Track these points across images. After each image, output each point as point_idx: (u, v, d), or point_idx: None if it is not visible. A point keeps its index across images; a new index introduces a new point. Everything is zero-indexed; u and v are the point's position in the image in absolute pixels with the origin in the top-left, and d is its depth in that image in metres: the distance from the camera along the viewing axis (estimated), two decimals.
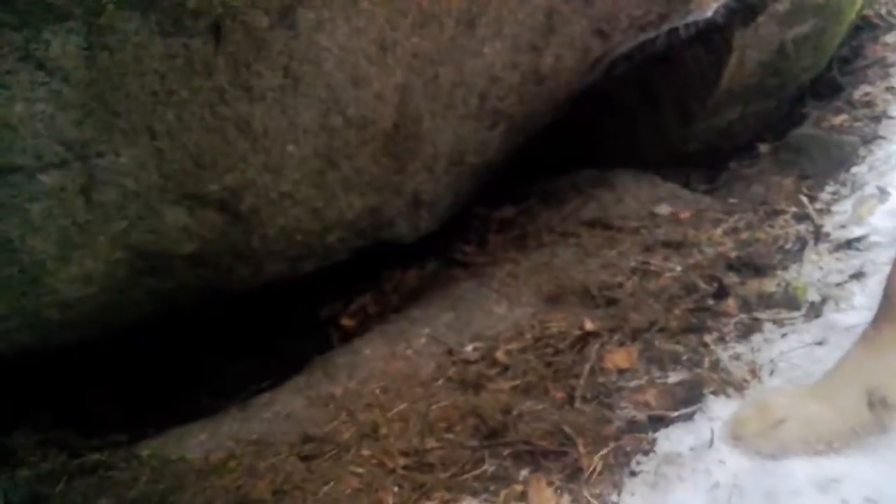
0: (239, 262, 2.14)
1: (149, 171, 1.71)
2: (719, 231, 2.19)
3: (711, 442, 1.26)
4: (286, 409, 1.79)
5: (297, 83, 1.79)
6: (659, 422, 1.35)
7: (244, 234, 2.03)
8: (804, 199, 2.18)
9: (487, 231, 2.88)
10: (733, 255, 1.94)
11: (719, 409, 1.33)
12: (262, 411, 1.80)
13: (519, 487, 1.28)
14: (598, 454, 1.31)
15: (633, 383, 1.53)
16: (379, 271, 2.80)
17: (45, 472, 1.64)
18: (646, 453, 1.29)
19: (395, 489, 1.37)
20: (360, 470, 1.45)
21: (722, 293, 1.77)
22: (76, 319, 1.83)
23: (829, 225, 1.98)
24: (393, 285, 2.74)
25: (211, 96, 1.68)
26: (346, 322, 2.61)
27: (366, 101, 1.99)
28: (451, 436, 1.49)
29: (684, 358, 1.57)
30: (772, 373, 1.41)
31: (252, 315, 2.45)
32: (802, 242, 1.92)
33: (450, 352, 1.89)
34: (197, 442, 1.71)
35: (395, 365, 1.89)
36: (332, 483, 1.43)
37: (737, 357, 1.51)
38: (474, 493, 1.29)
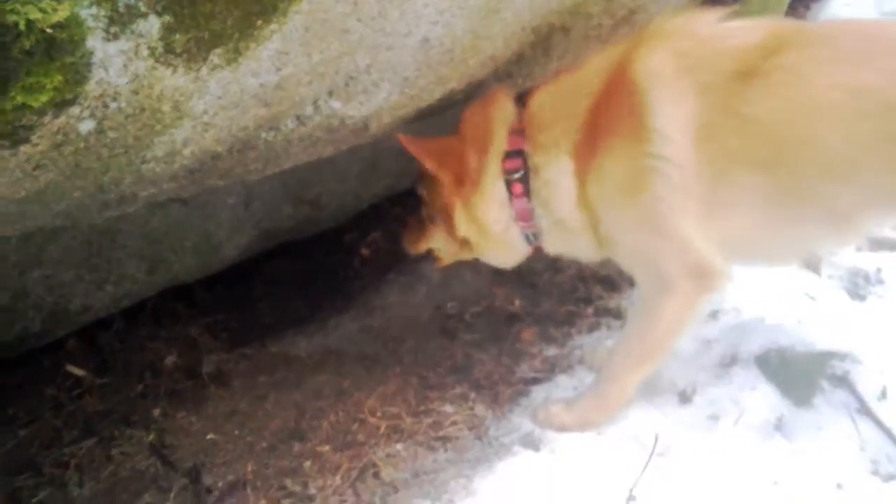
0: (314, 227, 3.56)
1: None
2: None
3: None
4: (348, 331, 3.30)
5: None
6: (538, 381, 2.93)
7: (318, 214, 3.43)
8: None
9: None
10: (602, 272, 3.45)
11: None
12: (334, 331, 3.30)
13: (471, 403, 2.86)
14: (510, 389, 2.89)
15: (533, 350, 3.08)
16: (386, 209, 4.19)
17: (225, 358, 3.14)
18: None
19: (413, 392, 2.93)
20: (397, 380, 3.00)
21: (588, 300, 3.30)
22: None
23: None
24: (399, 227, 4.13)
25: None
26: (365, 251, 4.05)
27: None
28: (440, 368, 3.04)
29: (560, 341, 3.12)
30: None
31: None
32: None
33: (438, 307, 3.39)
34: (303, 346, 3.22)
35: (407, 311, 3.39)
36: (381, 385, 2.97)
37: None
38: (452, 403, 2.86)
